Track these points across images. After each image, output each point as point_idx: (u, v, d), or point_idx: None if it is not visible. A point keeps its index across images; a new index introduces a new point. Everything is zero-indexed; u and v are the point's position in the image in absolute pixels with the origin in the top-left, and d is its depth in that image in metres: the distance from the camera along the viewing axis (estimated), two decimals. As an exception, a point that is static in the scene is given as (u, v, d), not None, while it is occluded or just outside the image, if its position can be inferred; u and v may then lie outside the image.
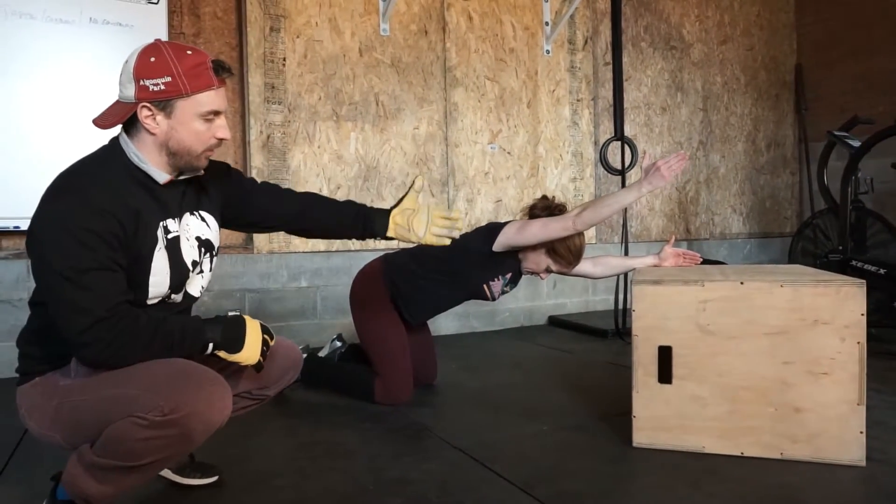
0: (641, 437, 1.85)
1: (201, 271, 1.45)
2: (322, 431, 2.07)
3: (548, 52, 4.16)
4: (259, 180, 1.67)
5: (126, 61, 1.28)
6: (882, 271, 3.39)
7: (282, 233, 3.35)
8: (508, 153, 4.04)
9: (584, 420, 2.13)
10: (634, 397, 1.85)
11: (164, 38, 3.07)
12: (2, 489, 1.65)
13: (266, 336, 1.40)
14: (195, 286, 1.46)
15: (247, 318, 1.39)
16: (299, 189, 1.96)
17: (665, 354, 1.82)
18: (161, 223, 1.34)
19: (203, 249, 1.45)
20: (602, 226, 4.42)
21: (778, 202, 5.36)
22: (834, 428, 1.70)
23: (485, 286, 2.37)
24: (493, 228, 2.31)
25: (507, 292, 2.46)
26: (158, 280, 1.33)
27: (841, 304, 1.69)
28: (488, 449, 1.87)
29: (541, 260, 2.33)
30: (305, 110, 3.43)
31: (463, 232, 2.00)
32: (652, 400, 1.83)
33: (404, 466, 1.75)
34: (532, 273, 2.40)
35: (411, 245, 1.92)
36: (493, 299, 2.42)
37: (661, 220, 4.75)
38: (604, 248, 4.34)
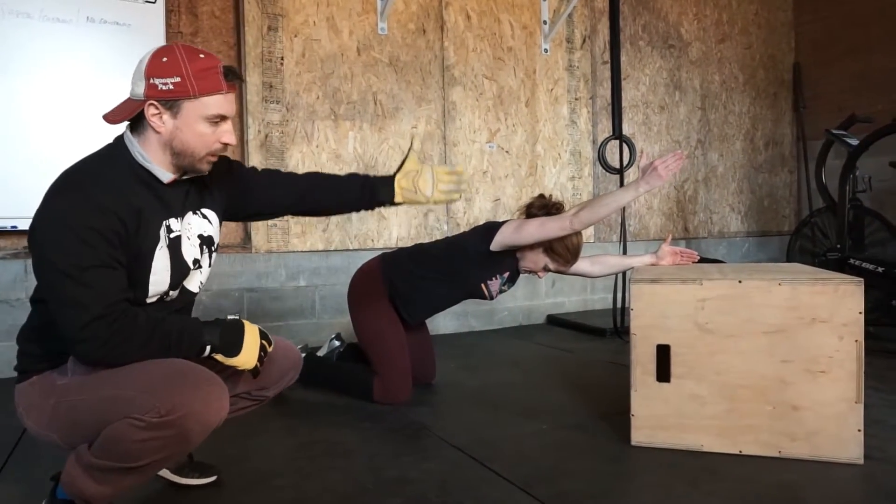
0: (640, 435, 1.85)
1: (200, 267, 1.45)
2: (321, 431, 2.07)
3: (546, 50, 4.16)
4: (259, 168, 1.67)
5: (141, 60, 1.30)
6: (880, 269, 3.40)
7: (280, 232, 3.38)
8: (507, 152, 4.04)
9: (582, 419, 2.13)
10: (633, 396, 1.85)
11: (162, 37, 3.07)
12: (1, 488, 1.65)
13: (264, 341, 1.40)
14: (194, 282, 1.46)
15: (246, 322, 1.39)
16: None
17: (663, 353, 1.82)
18: (164, 222, 1.34)
19: (204, 246, 1.45)
20: (600, 224, 4.42)
21: (776, 201, 5.36)
22: (832, 426, 1.70)
23: (482, 285, 2.37)
24: (491, 227, 2.31)
25: (504, 291, 2.46)
26: (159, 279, 1.34)
27: (839, 302, 1.69)
28: (487, 448, 1.87)
29: (538, 259, 2.33)
30: (303, 109, 3.43)
31: (461, 230, 2.00)
32: (650, 399, 1.84)
33: (403, 466, 1.75)
34: (530, 272, 2.40)
35: (413, 244, 1.92)
36: (491, 298, 2.42)
37: (660, 219, 4.76)
38: (602, 247, 4.34)
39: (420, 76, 3.75)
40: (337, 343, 2.74)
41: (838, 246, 3.74)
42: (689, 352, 1.80)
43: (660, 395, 1.83)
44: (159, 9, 3.07)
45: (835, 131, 4.07)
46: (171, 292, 1.38)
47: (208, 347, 1.33)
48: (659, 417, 1.83)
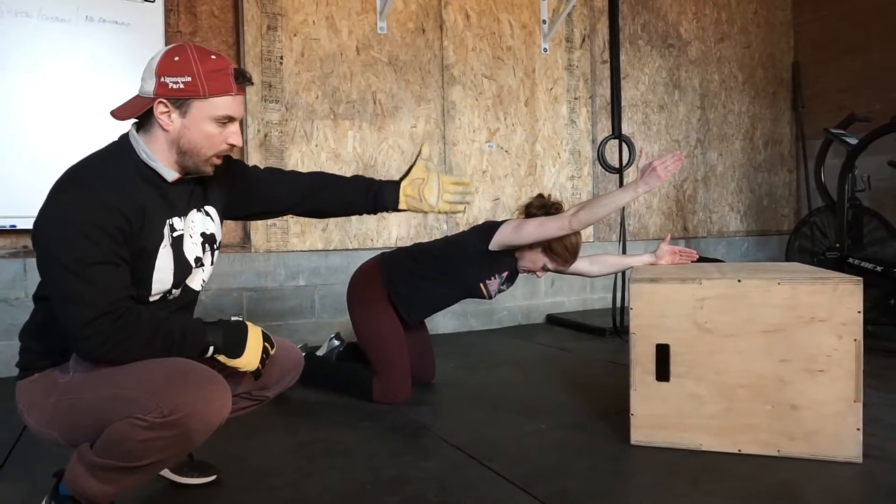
0: (639, 435, 1.85)
1: (202, 265, 1.46)
2: (320, 430, 2.07)
3: (545, 50, 4.16)
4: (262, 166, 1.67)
5: (152, 58, 1.31)
6: (879, 269, 3.40)
7: (279, 231, 3.38)
8: (506, 151, 4.04)
9: (582, 418, 2.13)
10: (632, 395, 1.85)
11: (161, 36, 3.07)
12: (2, 485, 1.65)
13: (267, 344, 1.40)
14: (196, 280, 1.46)
15: (249, 324, 1.40)
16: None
17: (663, 352, 1.82)
18: (168, 221, 1.35)
19: (206, 245, 1.45)
20: (600, 224, 4.42)
21: (775, 200, 5.36)
22: (831, 425, 1.70)
23: (481, 285, 2.37)
24: (490, 227, 2.31)
25: (503, 291, 2.47)
26: (162, 277, 1.34)
27: (838, 301, 1.69)
28: (487, 447, 1.87)
29: (537, 258, 2.33)
30: (303, 109, 3.43)
31: (460, 230, 2.00)
32: (650, 398, 1.84)
33: (403, 465, 1.76)
34: (528, 271, 2.41)
35: (412, 243, 1.91)
36: (490, 298, 2.42)
37: (659, 219, 4.76)
38: (602, 247, 4.34)
39: (419, 75, 3.75)
40: (336, 342, 2.74)
41: (837, 245, 3.75)
42: (689, 351, 1.81)
43: (659, 395, 1.83)
44: (158, 8, 3.07)
45: (834, 130, 4.07)
46: (173, 290, 1.39)
47: (211, 348, 1.33)
48: (658, 417, 1.83)
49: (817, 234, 4.36)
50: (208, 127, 1.31)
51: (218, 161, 1.38)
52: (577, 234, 2.26)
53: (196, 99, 1.28)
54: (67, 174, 1.28)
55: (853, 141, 3.85)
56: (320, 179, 1.69)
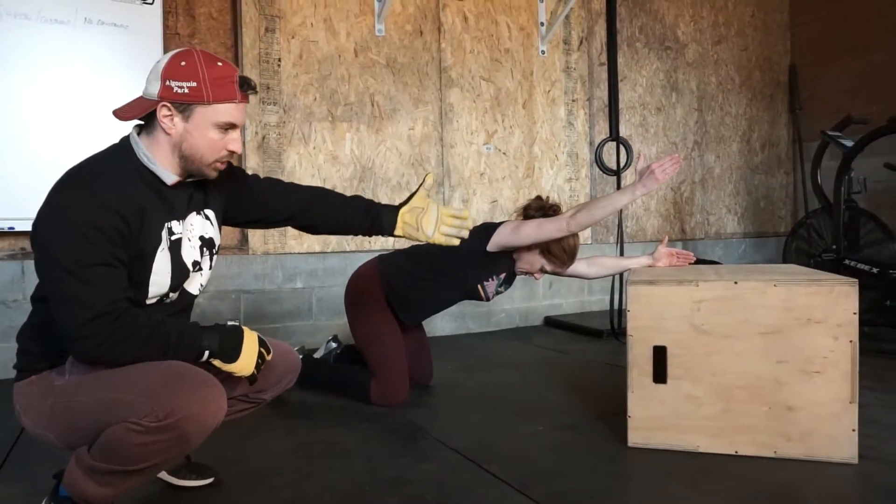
0: (637, 436, 1.86)
1: (200, 269, 1.46)
2: (319, 432, 2.07)
3: (543, 52, 4.17)
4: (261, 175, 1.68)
5: (158, 61, 1.32)
6: (875, 270, 3.41)
7: (277, 233, 3.38)
8: (504, 154, 4.05)
9: (579, 420, 2.14)
10: (630, 397, 1.86)
11: (159, 38, 3.08)
12: (1, 487, 1.65)
13: (263, 349, 1.40)
14: (194, 285, 1.46)
15: (245, 329, 1.40)
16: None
17: (660, 354, 1.83)
18: (166, 224, 1.35)
19: (204, 249, 1.46)
20: (597, 226, 4.43)
21: (772, 202, 5.38)
22: (827, 426, 1.71)
23: (479, 286, 2.37)
24: (488, 228, 2.31)
25: (501, 293, 2.47)
26: (159, 280, 1.34)
27: (834, 303, 1.70)
28: (484, 449, 1.88)
29: (535, 260, 2.34)
30: (301, 111, 3.43)
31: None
32: (647, 400, 1.84)
33: (401, 467, 1.76)
34: (526, 273, 2.41)
35: (410, 245, 1.92)
36: (488, 300, 2.43)
37: (657, 220, 4.77)
38: (599, 248, 4.35)
39: (417, 78, 3.75)
40: (334, 345, 2.74)
41: (834, 247, 3.76)
42: (686, 353, 1.81)
43: (656, 396, 1.83)
44: (157, 10, 3.08)
45: (830, 133, 4.08)
46: (170, 294, 1.39)
47: (207, 352, 1.33)
48: (655, 418, 1.84)
49: (814, 235, 4.37)
50: (210, 132, 1.32)
51: (221, 166, 1.39)
52: (574, 236, 2.27)
53: (200, 104, 1.29)
54: (67, 175, 1.28)
55: (849, 143, 3.87)
56: (321, 194, 1.69)
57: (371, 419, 2.19)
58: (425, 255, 2.41)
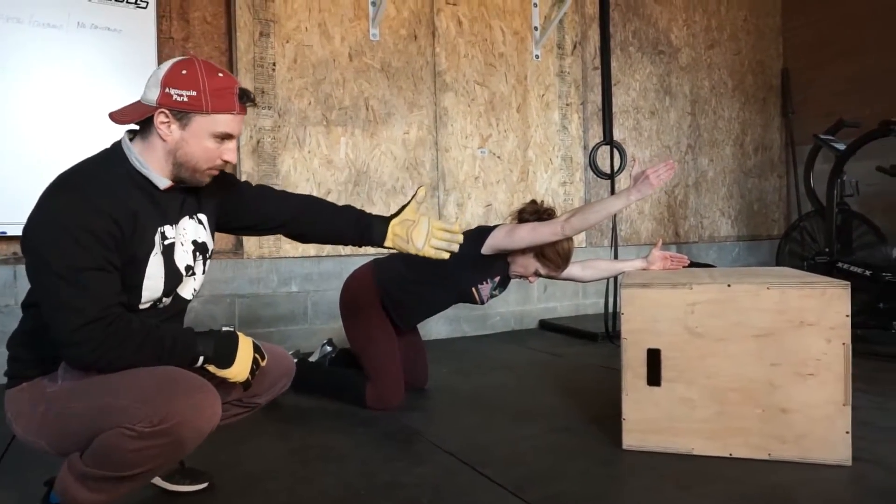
0: (631, 439, 1.86)
1: (193, 274, 1.45)
2: (314, 436, 2.06)
3: (537, 56, 4.18)
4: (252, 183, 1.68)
5: (159, 67, 1.32)
6: (867, 273, 3.43)
7: (272, 238, 3.37)
8: (498, 157, 4.06)
9: (574, 423, 2.14)
10: (624, 400, 1.86)
11: (153, 42, 3.07)
12: (-10, 497, 1.64)
13: (257, 355, 1.40)
14: (187, 289, 1.46)
15: (240, 334, 1.40)
16: (290, 193, 1.96)
17: (654, 357, 1.83)
18: (159, 229, 1.35)
19: (197, 253, 1.45)
20: (592, 229, 4.44)
21: (766, 205, 5.41)
22: (820, 428, 1.72)
23: (473, 289, 2.37)
24: (483, 231, 2.32)
25: (495, 296, 2.47)
26: (152, 285, 1.34)
27: (826, 305, 1.71)
28: (480, 452, 1.88)
29: (529, 263, 2.34)
30: (295, 115, 3.43)
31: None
32: (641, 402, 1.85)
33: (396, 470, 1.76)
34: (520, 277, 2.41)
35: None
36: (482, 303, 2.43)
37: (651, 224, 4.78)
38: (593, 252, 4.36)
39: (412, 82, 3.76)
40: (329, 348, 2.73)
41: (827, 250, 3.78)
42: (680, 355, 1.82)
43: (650, 399, 1.84)
44: (150, 14, 3.07)
45: (822, 136, 4.11)
46: (164, 299, 1.39)
47: (201, 358, 1.33)
48: (650, 421, 1.84)
49: (807, 238, 4.40)
50: (206, 142, 1.32)
51: (214, 173, 1.39)
52: (569, 239, 2.27)
53: (198, 114, 1.30)
54: (59, 179, 1.27)
55: (841, 146, 3.89)
56: (312, 203, 1.70)
57: (366, 423, 2.18)
58: (420, 259, 2.41)
